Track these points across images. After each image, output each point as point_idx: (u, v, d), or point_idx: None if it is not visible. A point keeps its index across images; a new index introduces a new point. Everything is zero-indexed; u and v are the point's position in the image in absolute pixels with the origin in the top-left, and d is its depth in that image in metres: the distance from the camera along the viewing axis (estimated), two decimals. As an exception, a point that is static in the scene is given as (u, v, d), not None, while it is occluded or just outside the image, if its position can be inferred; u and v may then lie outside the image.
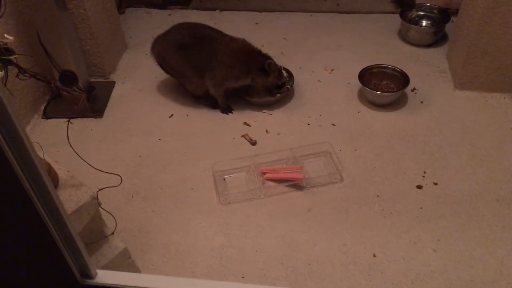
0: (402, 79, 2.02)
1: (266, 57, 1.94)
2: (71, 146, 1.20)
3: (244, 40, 1.98)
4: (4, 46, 1.03)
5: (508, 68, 1.92)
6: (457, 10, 2.14)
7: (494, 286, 1.37)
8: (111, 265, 1.28)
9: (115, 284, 0.64)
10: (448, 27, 2.31)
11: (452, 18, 2.31)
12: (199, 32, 1.99)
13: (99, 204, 1.23)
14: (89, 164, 1.26)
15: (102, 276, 0.66)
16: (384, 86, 2.05)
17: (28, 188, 0.57)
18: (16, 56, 1.04)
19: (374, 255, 1.46)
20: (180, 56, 1.95)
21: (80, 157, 1.23)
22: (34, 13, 1.78)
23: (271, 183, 1.70)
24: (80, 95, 1.84)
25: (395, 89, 2.03)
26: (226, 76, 1.93)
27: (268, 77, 1.93)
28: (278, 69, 1.97)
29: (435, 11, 2.39)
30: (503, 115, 1.92)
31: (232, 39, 1.98)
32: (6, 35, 1.02)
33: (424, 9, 2.41)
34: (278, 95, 2.02)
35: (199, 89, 2.00)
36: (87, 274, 0.65)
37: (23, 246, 0.64)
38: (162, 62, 2.04)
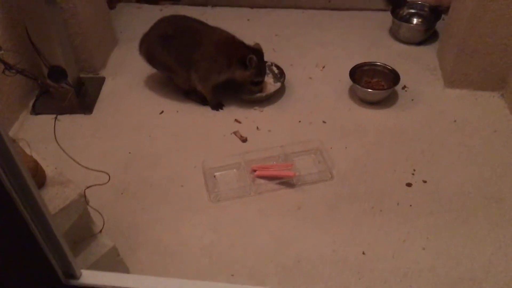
0: (392, 77, 2.02)
1: (250, 51, 1.89)
2: (58, 143, 1.19)
3: (227, 33, 1.95)
4: (-10, 42, 1.01)
5: (497, 66, 1.93)
6: (448, 8, 2.14)
7: (482, 284, 1.38)
8: (100, 263, 1.26)
9: (100, 285, 0.63)
10: (439, 25, 2.31)
11: (443, 16, 2.32)
12: (183, 24, 1.97)
13: (87, 202, 1.21)
14: (76, 162, 1.25)
15: (87, 276, 0.65)
16: (375, 84, 2.05)
17: (10, 188, 0.56)
18: (2, 52, 1.02)
19: (363, 253, 1.47)
20: (165, 49, 1.94)
21: (68, 155, 1.22)
22: (22, 8, 1.76)
23: (262, 181, 1.70)
24: (68, 91, 1.82)
25: (385, 87, 2.03)
26: (210, 69, 1.91)
27: (246, 71, 1.90)
28: (260, 66, 1.92)
29: (426, 9, 2.39)
30: (493, 113, 1.93)
31: (215, 30, 1.95)
32: (-9, 31, 1.01)
33: (415, 6, 2.41)
34: (260, 92, 2.00)
35: (188, 83, 1.98)
36: (72, 274, 0.65)
37: (3, 244, 0.63)
38: (150, 59, 2.03)
